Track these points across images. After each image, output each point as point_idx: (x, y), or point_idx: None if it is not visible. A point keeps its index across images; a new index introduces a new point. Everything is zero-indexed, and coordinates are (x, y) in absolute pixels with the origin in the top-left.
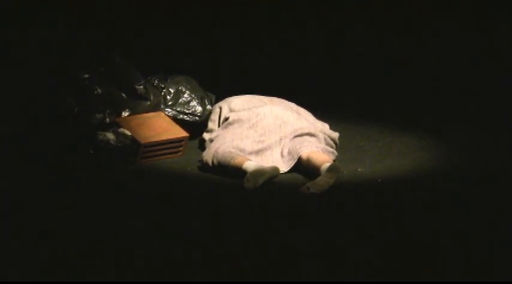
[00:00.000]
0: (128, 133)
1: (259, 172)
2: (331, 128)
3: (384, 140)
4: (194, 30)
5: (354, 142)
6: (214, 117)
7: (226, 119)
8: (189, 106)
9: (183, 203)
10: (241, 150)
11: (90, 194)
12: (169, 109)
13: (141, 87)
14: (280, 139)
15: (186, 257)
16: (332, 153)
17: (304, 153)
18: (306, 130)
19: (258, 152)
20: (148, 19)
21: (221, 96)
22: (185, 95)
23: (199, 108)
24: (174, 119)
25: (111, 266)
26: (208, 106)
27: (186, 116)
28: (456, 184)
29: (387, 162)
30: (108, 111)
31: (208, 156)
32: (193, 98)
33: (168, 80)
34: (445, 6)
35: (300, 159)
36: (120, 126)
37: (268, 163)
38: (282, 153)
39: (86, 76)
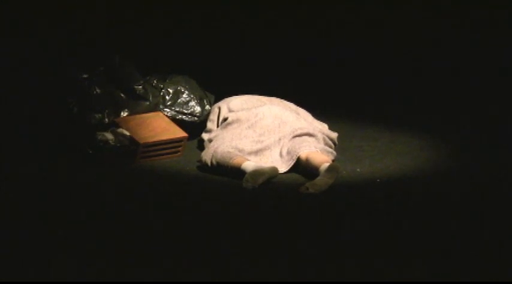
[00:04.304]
0: (127, 133)
1: (258, 173)
2: (330, 128)
3: (384, 140)
4: (194, 30)
5: (353, 142)
6: (213, 117)
7: (225, 119)
8: (188, 106)
9: (182, 203)
10: (240, 150)
11: (88, 194)
12: (168, 110)
13: (140, 87)
14: (279, 139)
15: (185, 257)
16: (331, 153)
17: (303, 153)
18: (305, 130)
19: (257, 152)
20: (149, 19)
21: (220, 96)
22: (184, 95)
23: (198, 108)
24: (173, 119)
25: (111, 266)
26: (207, 107)
27: (185, 116)
28: (456, 184)
29: (386, 162)
30: (107, 111)
31: (207, 156)
32: (192, 98)
33: (167, 80)
34: (445, 6)
35: (299, 159)
36: (119, 126)
37: (267, 163)
38: (281, 153)
39: (86, 76)
